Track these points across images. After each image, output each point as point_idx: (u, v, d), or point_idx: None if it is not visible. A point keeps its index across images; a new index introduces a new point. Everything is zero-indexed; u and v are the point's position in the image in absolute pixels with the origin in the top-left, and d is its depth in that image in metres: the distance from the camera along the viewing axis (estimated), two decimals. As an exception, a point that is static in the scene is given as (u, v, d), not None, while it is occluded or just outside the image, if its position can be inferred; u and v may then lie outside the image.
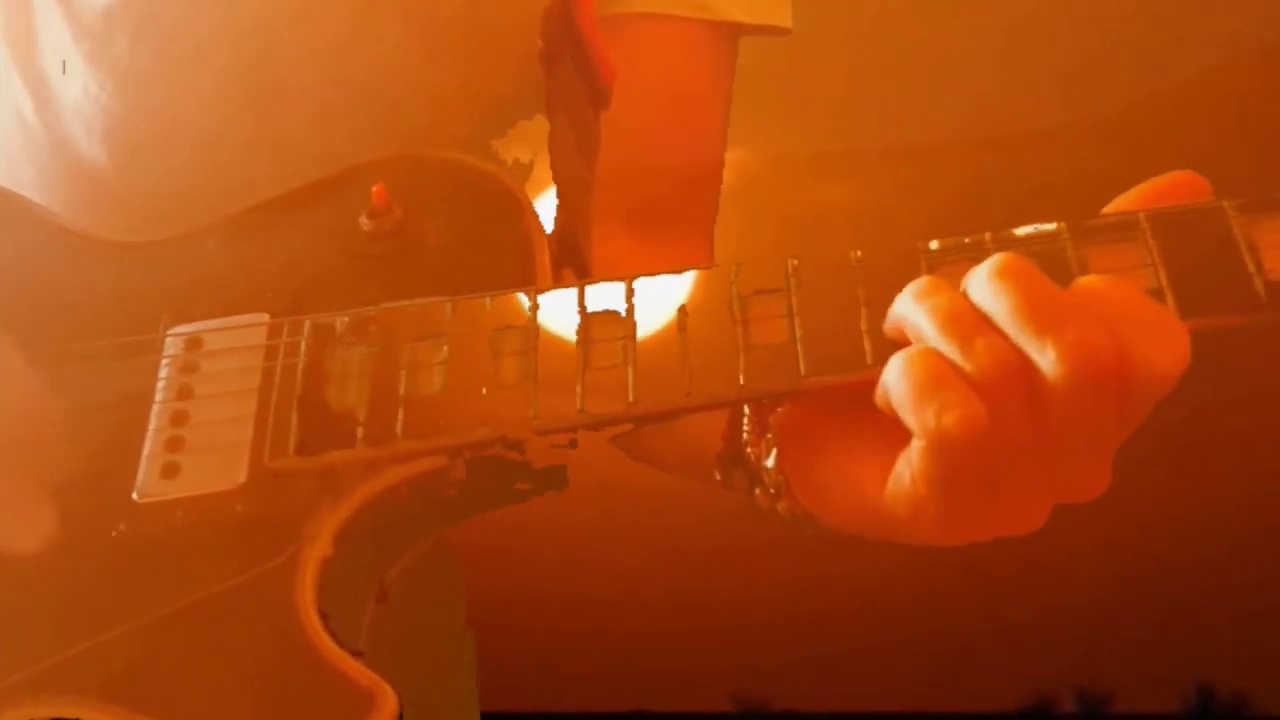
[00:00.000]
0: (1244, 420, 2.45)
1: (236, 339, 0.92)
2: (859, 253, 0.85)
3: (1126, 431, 0.79)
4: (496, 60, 1.16)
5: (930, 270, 0.83)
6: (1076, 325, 0.74)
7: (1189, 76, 2.36)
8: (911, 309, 0.78)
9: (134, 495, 0.87)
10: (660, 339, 0.86)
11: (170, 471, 0.88)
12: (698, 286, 0.87)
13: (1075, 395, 0.74)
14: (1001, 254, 0.79)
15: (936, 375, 0.75)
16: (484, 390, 0.86)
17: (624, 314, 0.87)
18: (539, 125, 1.23)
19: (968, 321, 0.76)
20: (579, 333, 0.87)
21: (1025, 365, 0.75)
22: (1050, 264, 0.81)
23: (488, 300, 0.89)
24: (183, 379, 0.91)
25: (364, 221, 0.96)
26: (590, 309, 0.87)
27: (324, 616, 0.82)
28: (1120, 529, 2.56)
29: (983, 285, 0.77)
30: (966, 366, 0.75)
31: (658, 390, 0.84)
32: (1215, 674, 2.71)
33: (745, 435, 0.91)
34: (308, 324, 0.91)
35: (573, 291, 0.88)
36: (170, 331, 0.93)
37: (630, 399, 0.84)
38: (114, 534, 0.86)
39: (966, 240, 0.84)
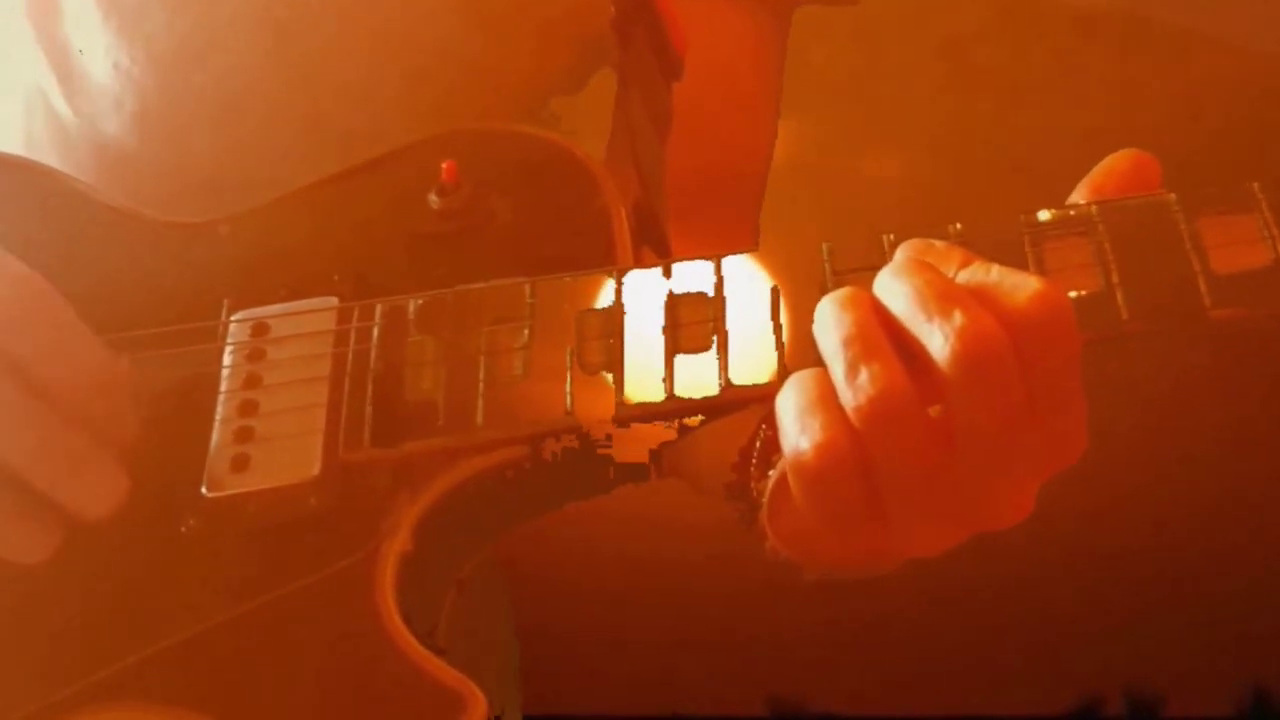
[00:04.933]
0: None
1: (305, 324, 0.88)
2: (959, 225, 0.80)
3: (1044, 449, 0.72)
4: (553, 41, 1.13)
5: (1035, 244, 0.79)
6: (961, 308, 0.70)
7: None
8: (815, 326, 0.74)
9: (202, 489, 0.83)
10: (751, 321, 0.82)
11: (240, 464, 0.84)
12: (789, 266, 0.83)
13: (967, 379, 0.69)
14: (901, 250, 0.76)
15: (811, 399, 0.72)
16: (567, 376, 0.82)
17: (712, 295, 0.83)
18: (582, 97, 1.19)
19: (858, 346, 0.71)
20: (665, 315, 0.83)
21: (920, 391, 0.70)
22: (1161, 236, 0.77)
23: (569, 280, 0.85)
24: (250, 367, 0.87)
25: (433, 199, 0.92)
26: (676, 290, 0.83)
27: (404, 614, 0.78)
28: (1171, 525, 2.52)
29: (881, 289, 0.73)
30: (845, 396, 0.71)
31: (749, 374, 0.81)
32: (1271, 675, 2.66)
33: (752, 470, 0.88)
34: (379, 308, 0.87)
35: (657, 271, 0.84)
36: (235, 317, 0.89)
37: (721, 383, 0.80)
38: (183, 529, 0.82)
39: (1072, 212, 0.80)
